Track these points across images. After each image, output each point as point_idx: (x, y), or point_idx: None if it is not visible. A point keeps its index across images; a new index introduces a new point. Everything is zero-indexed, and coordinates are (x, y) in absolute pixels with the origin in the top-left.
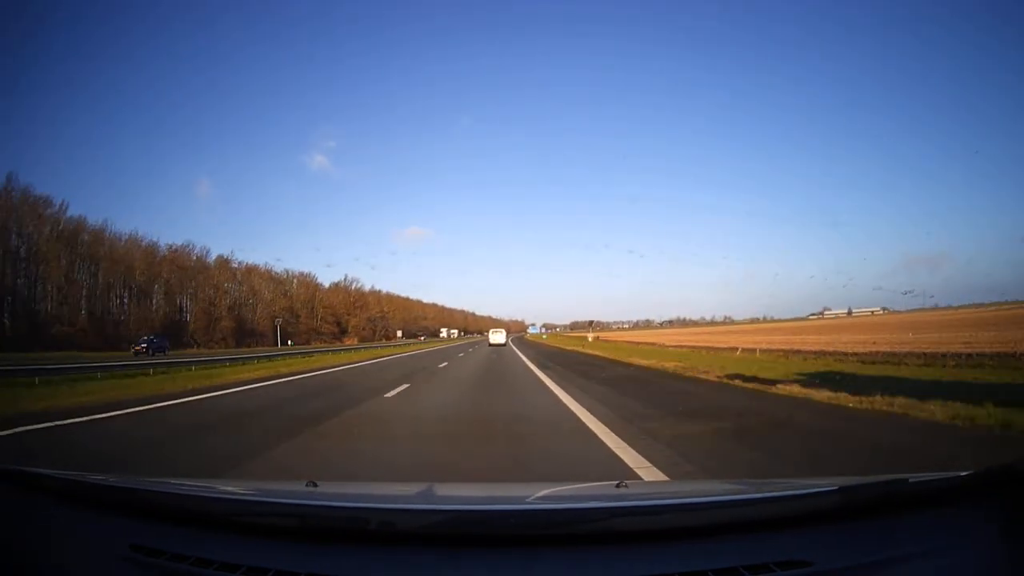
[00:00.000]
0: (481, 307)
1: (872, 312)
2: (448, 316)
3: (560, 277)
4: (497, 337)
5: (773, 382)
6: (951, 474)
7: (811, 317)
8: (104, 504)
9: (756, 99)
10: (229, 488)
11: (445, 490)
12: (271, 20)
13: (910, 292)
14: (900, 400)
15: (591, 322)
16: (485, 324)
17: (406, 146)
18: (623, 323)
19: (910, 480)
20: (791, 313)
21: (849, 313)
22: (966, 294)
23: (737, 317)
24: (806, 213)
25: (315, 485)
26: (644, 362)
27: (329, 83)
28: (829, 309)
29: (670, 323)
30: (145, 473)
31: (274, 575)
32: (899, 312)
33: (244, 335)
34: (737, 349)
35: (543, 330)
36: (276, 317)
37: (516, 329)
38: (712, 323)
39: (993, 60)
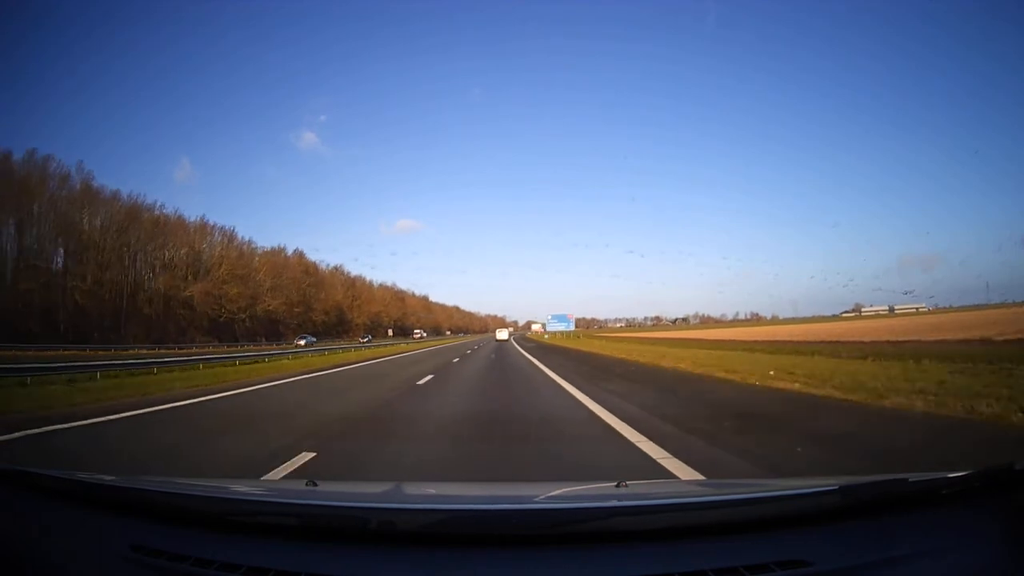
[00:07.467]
0: (470, 305)
1: (917, 309)
2: (441, 313)
3: (557, 276)
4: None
5: None
6: (951, 474)
7: (845, 315)
8: (105, 504)
9: (758, 100)
10: (229, 488)
11: (445, 489)
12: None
13: (910, 292)
14: None
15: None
16: (467, 322)
17: (405, 136)
18: (621, 321)
19: (910, 480)
20: (819, 310)
21: (891, 311)
22: (965, 295)
23: (764, 315)
24: (811, 212)
25: (315, 484)
26: None
27: (324, 62)
28: (863, 306)
29: (684, 320)
30: None
31: (274, 575)
32: (949, 310)
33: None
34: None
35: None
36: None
37: (499, 327)
38: (738, 321)
39: (993, 60)
